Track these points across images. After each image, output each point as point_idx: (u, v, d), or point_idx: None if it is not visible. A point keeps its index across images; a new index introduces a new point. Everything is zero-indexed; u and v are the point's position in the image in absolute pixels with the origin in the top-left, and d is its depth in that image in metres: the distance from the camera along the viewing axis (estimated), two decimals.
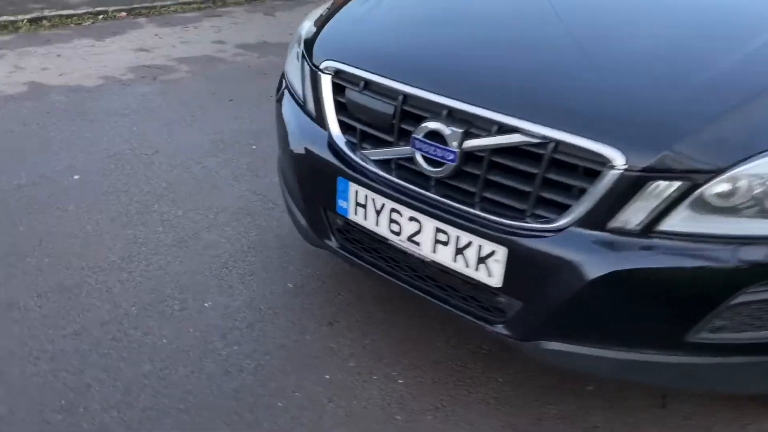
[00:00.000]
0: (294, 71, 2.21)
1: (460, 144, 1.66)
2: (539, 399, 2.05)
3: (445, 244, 1.73)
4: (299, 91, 2.13)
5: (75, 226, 2.77)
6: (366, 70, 1.87)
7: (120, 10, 6.38)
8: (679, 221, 1.50)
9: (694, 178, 1.47)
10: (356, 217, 1.92)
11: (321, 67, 1.97)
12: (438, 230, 1.73)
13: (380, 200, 1.83)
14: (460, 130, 1.66)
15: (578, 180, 1.56)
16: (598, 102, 1.59)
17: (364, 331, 2.29)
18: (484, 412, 1.99)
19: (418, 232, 1.78)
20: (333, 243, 2.06)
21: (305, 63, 2.08)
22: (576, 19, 1.95)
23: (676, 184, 1.48)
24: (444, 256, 1.75)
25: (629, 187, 1.49)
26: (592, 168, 1.53)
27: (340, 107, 1.94)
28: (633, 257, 1.52)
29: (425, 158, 1.74)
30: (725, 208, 1.49)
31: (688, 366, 1.63)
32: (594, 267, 1.53)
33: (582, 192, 1.55)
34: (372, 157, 1.87)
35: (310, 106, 2.05)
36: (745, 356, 1.61)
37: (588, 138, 1.52)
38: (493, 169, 1.66)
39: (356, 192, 1.88)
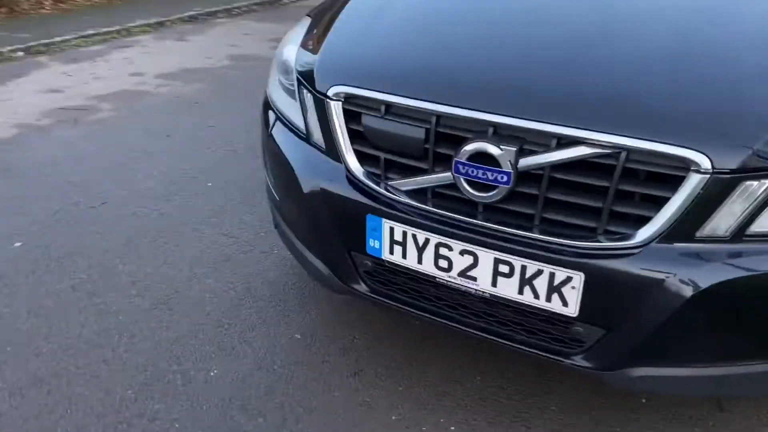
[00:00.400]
0: (286, 101, 1.98)
1: (515, 163, 1.49)
2: (599, 423, 1.91)
3: (508, 275, 1.55)
4: (299, 123, 1.89)
5: (32, 303, 2.40)
6: (386, 92, 1.66)
7: (15, 50, 5.84)
8: None
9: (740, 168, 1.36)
10: (392, 256, 1.71)
11: (330, 94, 1.74)
12: (498, 261, 1.55)
13: (423, 235, 1.63)
14: (514, 148, 1.49)
15: (658, 189, 1.42)
16: (665, 103, 1.46)
17: (395, 377, 2.08)
18: None
19: (473, 266, 1.59)
20: (362, 287, 1.84)
21: (305, 91, 1.85)
22: (590, 17, 1.81)
23: (766, 182, 1.36)
24: (507, 289, 1.57)
25: (718, 191, 1.37)
26: (673, 174, 1.39)
27: (356, 136, 1.73)
28: (729, 266, 1.40)
29: (470, 183, 1.56)
30: None
31: None
32: (689, 282, 1.40)
33: (663, 201, 1.41)
34: (403, 188, 1.67)
35: (317, 138, 1.82)
36: None
37: (667, 143, 1.38)
38: (554, 187, 1.50)
39: (391, 229, 1.67)
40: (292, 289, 2.50)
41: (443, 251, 1.62)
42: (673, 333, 1.46)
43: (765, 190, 1.37)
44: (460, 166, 1.55)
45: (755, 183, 1.36)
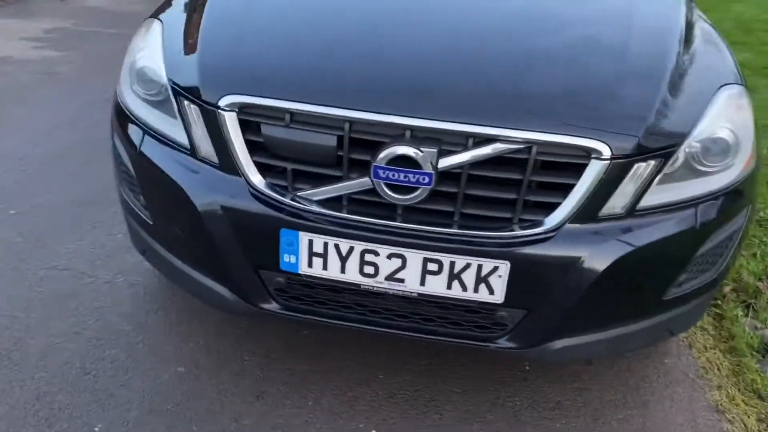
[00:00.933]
0: (153, 114, 1.79)
1: (435, 164, 1.53)
2: (499, 396, 2.05)
3: (437, 273, 1.59)
4: (179, 138, 1.73)
5: None
6: (289, 100, 1.59)
7: None
8: (652, 196, 1.61)
9: (661, 156, 1.58)
10: (310, 269, 1.65)
11: (221, 104, 1.61)
12: (427, 260, 1.58)
13: (347, 244, 1.60)
14: (434, 150, 1.52)
15: (564, 177, 1.55)
16: (562, 99, 1.60)
17: (300, 392, 2.01)
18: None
19: (401, 268, 1.60)
20: (273, 306, 1.75)
21: (186, 102, 1.68)
22: (452, 14, 1.90)
23: (652, 163, 1.57)
24: (435, 286, 1.61)
25: (616, 174, 1.55)
26: (577, 163, 1.54)
27: (255, 147, 1.63)
28: (630, 238, 1.59)
29: (390, 186, 1.56)
30: (675, 175, 1.64)
31: (664, 322, 1.77)
32: (602, 257, 1.57)
33: (569, 188, 1.55)
34: (315, 198, 1.62)
35: (207, 152, 1.68)
36: (699, 299, 1.82)
37: (572, 135, 1.52)
38: (472, 183, 1.57)
39: (310, 241, 1.61)
40: (154, 317, 2.28)
41: (369, 257, 1.60)
42: (585, 306, 1.62)
43: (650, 170, 1.57)
44: (380, 171, 1.54)
45: (643, 164, 1.56)
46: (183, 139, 1.72)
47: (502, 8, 1.94)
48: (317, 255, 1.62)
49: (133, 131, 1.83)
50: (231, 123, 1.62)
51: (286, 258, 1.65)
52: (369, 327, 1.72)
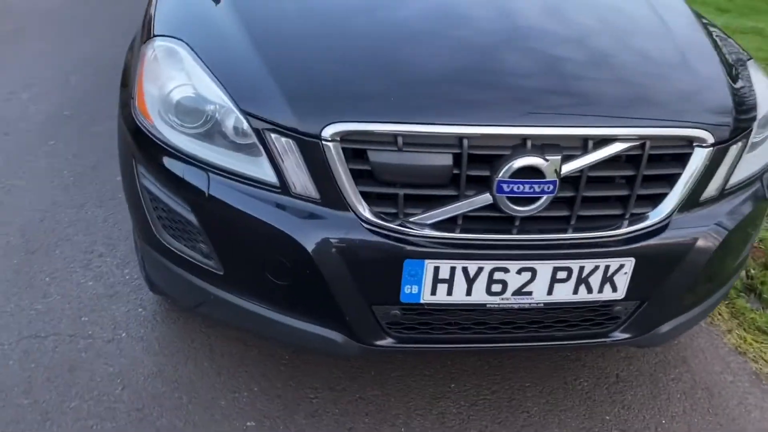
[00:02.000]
0: (217, 152, 1.56)
1: (559, 171, 1.50)
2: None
3: (565, 280, 1.58)
4: (264, 176, 1.53)
5: None
6: (397, 122, 1.47)
7: None
8: (735, 175, 1.70)
9: (745, 136, 1.67)
10: (433, 297, 1.56)
11: (325, 135, 1.45)
12: (557, 269, 1.56)
13: (476, 265, 1.53)
14: (558, 157, 1.49)
15: (670, 168, 1.60)
16: (659, 94, 1.64)
17: (387, 420, 1.92)
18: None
19: (530, 281, 1.57)
20: (387, 341, 1.63)
21: (275, 136, 1.49)
22: (484, 19, 1.86)
23: (740, 144, 1.66)
24: (562, 293, 1.60)
25: (716, 159, 1.62)
26: (681, 153, 1.59)
27: (359, 176, 1.49)
28: (728, 217, 1.68)
29: (512, 199, 1.51)
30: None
31: (729, 287, 1.91)
32: (711, 240, 1.64)
33: (675, 177, 1.60)
34: (430, 221, 1.53)
35: (305, 187, 1.51)
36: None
37: (680, 126, 1.57)
38: (589, 185, 1.56)
39: (436, 269, 1.52)
40: (187, 370, 2.03)
41: (498, 275, 1.55)
42: (692, 287, 1.70)
43: (737, 151, 1.66)
44: (504, 185, 1.48)
45: (735, 146, 1.65)
46: (268, 176, 1.53)
47: (534, 11, 1.91)
48: (442, 281, 1.54)
49: (190, 172, 1.58)
50: (336, 153, 1.46)
51: (408, 289, 1.54)
52: (488, 345, 1.68)
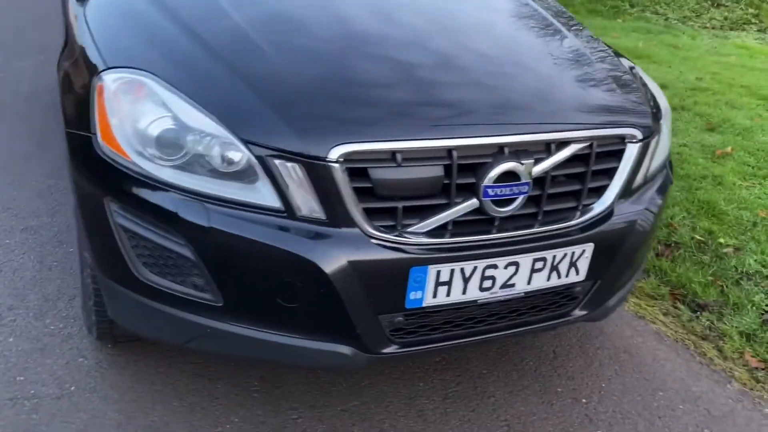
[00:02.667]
0: (210, 182, 1.55)
1: (530, 173, 1.69)
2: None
3: (541, 269, 1.77)
4: (266, 201, 1.55)
5: None
6: (395, 140, 1.57)
7: None
8: (653, 164, 2.01)
9: (656, 132, 1.98)
10: (434, 299, 1.67)
11: (331, 157, 1.51)
12: (535, 260, 1.75)
13: (471, 265, 1.67)
14: (532, 161, 1.68)
15: (611, 162, 1.85)
16: (599, 101, 1.88)
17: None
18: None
19: (514, 274, 1.74)
20: (391, 348, 1.71)
21: (276, 162, 1.51)
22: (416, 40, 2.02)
23: (655, 138, 1.96)
24: (539, 282, 1.79)
25: (642, 153, 1.90)
26: (618, 149, 1.85)
27: (360, 193, 1.57)
28: (653, 200, 1.97)
29: (495, 202, 1.68)
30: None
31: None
32: (647, 220, 1.92)
33: (613, 171, 1.86)
34: (425, 230, 1.64)
35: (311, 209, 1.55)
36: None
37: (618, 127, 1.83)
38: (552, 183, 1.76)
39: (438, 272, 1.64)
40: (194, 416, 1.95)
41: (489, 272, 1.70)
42: (631, 262, 1.97)
43: (654, 143, 1.96)
44: (489, 190, 1.64)
45: (653, 141, 1.95)
46: (269, 201, 1.55)
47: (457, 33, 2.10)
48: (443, 284, 1.65)
49: (184, 206, 1.55)
50: (341, 174, 1.52)
51: (413, 295, 1.64)
52: (479, 338, 1.81)
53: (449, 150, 1.60)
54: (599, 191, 1.85)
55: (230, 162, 1.55)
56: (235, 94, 1.60)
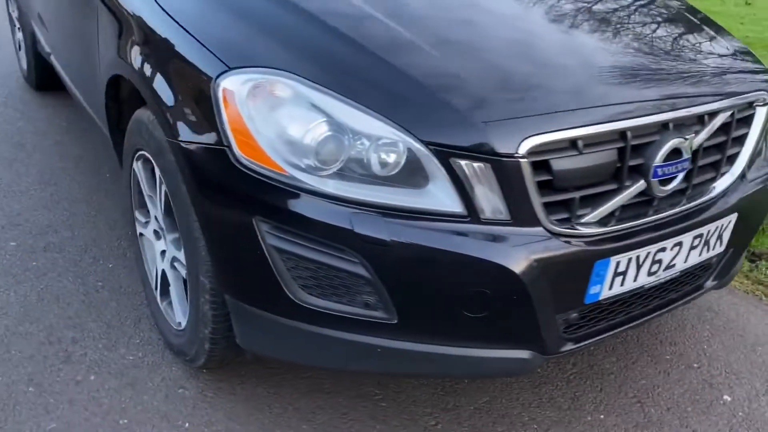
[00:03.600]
0: (371, 189, 1.41)
1: (690, 148, 1.62)
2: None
3: (698, 246, 1.72)
4: (446, 206, 1.40)
5: None
6: (575, 127, 1.46)
7: None
8: None
9: None
10: (610, 291, 1.59)
11: (521, 152, 1.38)
12: (695, 237, 1.69)
13: (645, 251, 1.59)
14: (693, 135, 1.61)
15: (742, 129, 1.80)
16: (724, 72, 1.81)
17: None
18: None
19: (677, 254, 1.68)
20: (567, 346, 1.61)
21: (462, 162, 1.37)
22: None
23: None
24: (694, 258, 1.74)
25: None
26: (748, 115, 1.80)
27: (540, 187, 1.46)
28: None
29: (662, 181, 1.60)
30: None
31: None
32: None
33: (744, 137, 1.82)
34: (598, 218, 1.55)
35: (494, 209, 1.42)
36: None
37: (749, 93, 1.78)
38: (703, 155, 1.70)
39: (617, 263, 1.55)
40: None
41: (659, 256, 1.63)
42: (756, 227, 1.95)
43: None
44: (659, 170, 1.56)
45: None
46: (447, 206, 1.40)
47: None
48: (619, 274, 1.58)
49: (359, 220, 1.38)
50: (528, 169, 1.40)
51: (593, 289, 1.55)
52: (635, 323, 1.74)
53: (623, 132, 1.50)
54: (732, 159, 1.80)
55: (402, 166, 1.39)
56: (399, 90, 1.43)
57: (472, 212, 1.40)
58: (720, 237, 1.77)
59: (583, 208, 1.52)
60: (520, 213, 1.43)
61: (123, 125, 2.13)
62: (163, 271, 1.98)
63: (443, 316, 1.47)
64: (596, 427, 1.92)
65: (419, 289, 1.44)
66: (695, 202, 1.70)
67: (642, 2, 2.11)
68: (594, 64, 1.65)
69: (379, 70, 1.47)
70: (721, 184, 1.76)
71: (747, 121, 1.80)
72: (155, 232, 1.99)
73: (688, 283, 1.85)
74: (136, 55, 1.74)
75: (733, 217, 1.76)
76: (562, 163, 1.44)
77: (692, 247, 1.70)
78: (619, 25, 1.90)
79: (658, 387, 2.09)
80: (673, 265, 1.69)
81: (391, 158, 1.40)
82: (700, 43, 1.95)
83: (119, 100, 2.09)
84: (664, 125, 1.57)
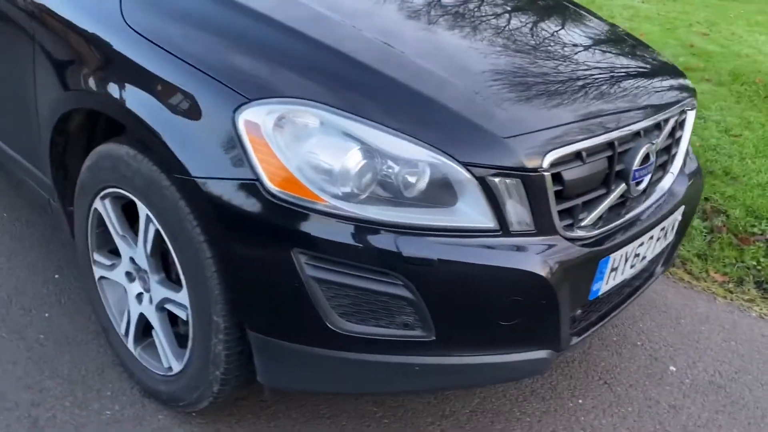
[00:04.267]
0: (409, 212, 1.45)
1: (655, 152, 1.83)
2: None
3: (660, 237, 1.93)
4: (478, 223, 1.47)
5: None
6: (583, 139, 1.60)
7: None
8: None
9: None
10: (606, 286, 1.75)
11: (545, 165, 1.50)
12: (660, 230, 1.90)
13: (631, 248, 1.77)
14: (658, 140, 1.82)
15: (678, 131, 2.05)
16: (664, 80, 2.04)
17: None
18: None
19: (649, 247, 1.87)
20: (573, 341, 1.73)
21: (495, 180, 1.44)
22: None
23: None
24: (658, 248, 1.95)
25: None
26: (682, 119, 2.05)
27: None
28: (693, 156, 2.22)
29: (636, 183, 1.80)
30: None
31: None
32: (700, 174, 2.17)
33: (679, 138, 2.07)
34: (592, 221, 1.70)
35: (522, 222, 1.52)
36: None
37: (686, 99, 2.03)
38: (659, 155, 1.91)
39: (613, 260, 1.71)
40: None
41: (640, 250, 1.82)
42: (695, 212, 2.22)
43: None
44: (637, 173, 1.75)
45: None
46: (480, 221, 1.47)
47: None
48: (614, 270, 1.74)
49: (404, 242, 1.41)
50: (550, 181, 1.51)
51: (595, 286, 1.69)
52: (615, 312, 1.91)
53: (611, 143, 1.66)
54: (672, 159, 2.05)
55: (434, 187, 1.44)
56: (423, 112, 1.47)
57: (503, 226, 1.48)
58: (673, 227, 2.00)
59: (581, 213, 1.66)
60: (542, 223, 1.53)
61: (68, 163, 1.97)
62: (141, 315, 1.85)
63: (479, 328, 1.54)
64: (578, 411, 2.09)
65: (459, 305, 1.49)
66: (652, 199, 1.91)
67: (595, 30, 2.29)
68: (578, 80, 1.80)
69: (398, 94, 1.50)
70: (667, 182, 1.99)
71: (682, 124, 2.05)
72: (127, 274, 1.86)
73: (647, 270, 2.07)
74: (117, 88, 1.62)
75: (682, 209, 2.00)
76: (570, 174, 1.57)
77: (657, 239, 1.91)
78: (587, 46, 2.07)
79: (617, 367, 2.30)
80: (645, 257, 1.88)
81: (425, 179, 1.44)
82: (643, 58, 2.17)
83: (66, 137, 1.92)
84: (638, 133, 1.75)
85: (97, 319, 2.05)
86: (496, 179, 1.45)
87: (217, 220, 1.46)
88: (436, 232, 1.45)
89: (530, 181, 1.48)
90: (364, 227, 1.41)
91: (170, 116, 1.52)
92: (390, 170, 1.43)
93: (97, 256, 1.93)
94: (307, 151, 1.41)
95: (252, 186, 1.41)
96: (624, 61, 2.07)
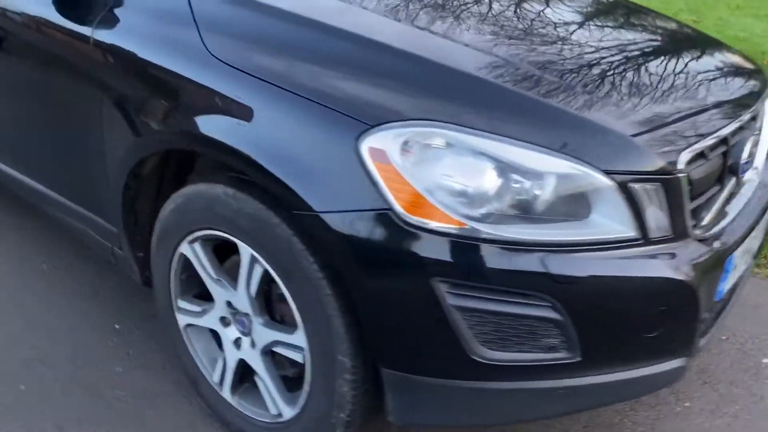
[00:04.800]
0: (543, 229, 1.37)
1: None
2: None
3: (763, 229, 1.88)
4: (616, 233, 1.40)
5: None
6: (706, 135, 1.54)
7: None
8: None
9: None
10: (728, 284, 1.69)
11: (680, 165, 1.44)
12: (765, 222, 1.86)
13: (747, 243, 1.72)
14: (757, 131, 1.78)
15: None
16: (743, 73, 1.99)
17: None
18: None
19: (755, 240, 1.82)
20: (702, 342, 1.66)
21: (636, 187, 1.38)
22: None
23: None
24: (759, 239, 1.89)
25: None
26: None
27: None
28: None
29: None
30: None
31: None
32: None
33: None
34: (709, 218, 1.64)
35: (662, 227, 1.45)
36: None
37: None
38: None
39: (735, 258, 1.66)
40: None
41: (751, 244, 1.76)
42: None
43: None
44: (744, 166, 1.71)
45: None
46: (619, 231, 1.41)
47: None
48: (735, 267, 1.68)
49: (552, 263, 1.34)
50: (685, 182, 1.46)
51: (721, 286, 1.64)
52: (727, 310, 1.85)
53: (725, 137, 1.61)
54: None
55: (571, 199, 1.37)
56: (548, 121, 1.41)
57: (644, 234, 1.41)
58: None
59: (702, 212, 1.60)
60: (678, 227, 1.46)
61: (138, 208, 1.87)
62: (240, 361, 1.75)
63: (623, 343, 1.46)
64: (689, 415, 2.02)
65: (605, 321, 1.42)
66: (750, 192, 1.85)
67: (665, 26, 2.23)
68: (677, 76, 1.74)
69: (516, 103, 1.43)
70: (758, 173, 1.94)
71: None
72: (222, 319, 1.76)
73: None
74: (216, 127, 1.52)
75: None
76: (697, 172, 1.51)
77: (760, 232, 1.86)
78: (669, 44, 2.03)
79: (710, 365, 2.24)
80: (752, 251, 1.83)
81: (559, 192, 1.37)
82: (719, 50, 2.10)
83: (139, 182, 1.82)
84: (741, 127, 1.70)
85: (184, 369, 1.94)
86: (637, 185, 1.38)
87: (345, 254, 1.38)
88: (578, 247, 1.37)
89: (669, 184, 1.42)
90: (507, 249, 1.33)
91: (281, 151, 1.43)
92: (524, 186, 1.35)
93: (182, 303, 1.83)
94: (440, 173, 1.33)
95: (383, 215, 1.33)
96: (705, 54, 2.02)
